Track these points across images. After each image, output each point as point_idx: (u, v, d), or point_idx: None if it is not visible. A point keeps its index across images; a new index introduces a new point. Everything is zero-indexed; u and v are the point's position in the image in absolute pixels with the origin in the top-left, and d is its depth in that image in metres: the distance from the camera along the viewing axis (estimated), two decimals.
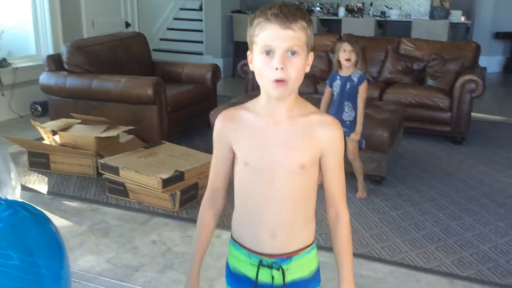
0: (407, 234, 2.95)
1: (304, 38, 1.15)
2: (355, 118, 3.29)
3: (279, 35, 1.13)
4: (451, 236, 2.94)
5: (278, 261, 1.28)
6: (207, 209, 1.37)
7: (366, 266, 2.61)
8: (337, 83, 3.30)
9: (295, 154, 1.22)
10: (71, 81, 4.28)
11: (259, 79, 1.19)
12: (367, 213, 3.23)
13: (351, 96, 3.27)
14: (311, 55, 1.21)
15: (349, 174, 3.55)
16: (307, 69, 1.21)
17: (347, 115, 3.30)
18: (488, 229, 3.03)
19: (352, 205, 3.33)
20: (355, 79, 3.23)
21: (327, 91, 3.42)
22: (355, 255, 2.68)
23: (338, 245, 1.31)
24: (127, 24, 6.86)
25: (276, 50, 1.13)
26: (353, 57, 3.17)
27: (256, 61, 1.17)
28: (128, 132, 3.96)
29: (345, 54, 3.17)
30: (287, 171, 1.23)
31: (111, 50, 4.67)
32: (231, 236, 1.38)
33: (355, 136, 3.28)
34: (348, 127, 3.25)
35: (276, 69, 1.13)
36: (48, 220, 1.56)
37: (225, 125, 1.26)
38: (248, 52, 1.21)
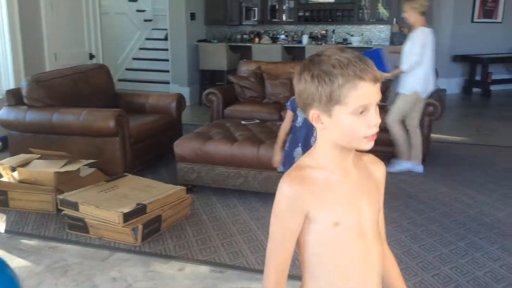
0: None
1: None
2: None
3: (372, 91, 1.05)
4: (412, 258, 2.98)
5: None
6: None
7: None
8: None
9: (373, 199, 1.18)
10: (31, 116, 4.21)
11: (344, 138, 1.09)
12: None
13: None
14: None
15: None
16: None
17: (315, 140, 3.30)
18: (449, 250, 3.08)
19: None
20: None
21: (289, 115, 3.30)
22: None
23: (393, 281, 1.31)
24: (91, 56, 6.83)
25: (370, 106, 1.05)
26: None
27: (344, 122, 1.06)
28: (90, 165, 3.90)
29: None
30: (371, 219, 1.17)
31: (73, 82, 4.63)
32: None
33: None
34: None
35: (374, 125, 1.06)
36: (4, 265, 1.52)
37: (299, 190, 1.08)
38: (316, 112, 1.09)
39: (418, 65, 4.24)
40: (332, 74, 1.04)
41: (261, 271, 2.81)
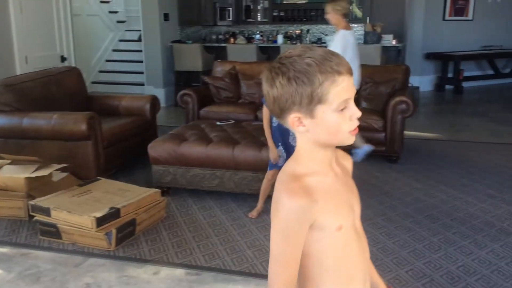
0: None
1: None
2: None
3: (350, 84, 1.03)
4: (387, 254, 3.01)
5: None
6: None
7: None
8: None
9: (356, 194, 1.18)
10: (0, 120, 4.12)
11: (329, 136, 1.06)
12: None
13: None
14: None
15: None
16: None
17: (293, 138, 3.27)
18: (422, 245, 3.12)
19: None
20: None
21: (266, 111, 3.32)
22: None
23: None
24: (63, 58, 6.72)
25: (351, 100, 1.04)
26: None
27: (329, 120, 1.03)
28: (63, 170, 3.83)
29: None
30: (359, 216, 1.17)
31: (44, 86, 4.54)
32: None
33: None
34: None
35: (356, 118, 1.04)
36: None
37: (305, 202, 1.02)
38: (297, 115, 1.04)
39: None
40: (309, 73, 1.00)
41: (237, 272, 2.81)
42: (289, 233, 1.04)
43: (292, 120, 1.05)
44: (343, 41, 4.27)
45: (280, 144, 3.33)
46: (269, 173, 3.45)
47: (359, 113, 1.04)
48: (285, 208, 1.02)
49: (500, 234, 3.26)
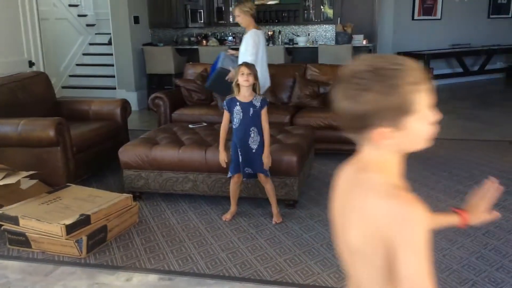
0: (319, 255, 3.00)
1: None
2: (260, 143, 3.35)
3: (429, 89, 1.02)
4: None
5: None
6: None
7: None
8: (238, 109, 3.33)
9: None
10: None
11: (412, 145, 1.05)
12: (281, 238, 3.26)
13: (256, 121, 3.33)
14: None
15: (264, 200, 3.59)
16: None
17: (253, 140, 3.35)
18: None
19: (267, 231, 3.34)
20: (258, 104, 3.32)
21: (226, 116, 3.41)
22: (270, 282, 2.70)
23: None
24: (31, 63, 6.58)
25: (431, 105, 1.03)
26: (251, 79, 3.27)
27: (417, 130, 1.01)
28: (31, 177, 3.74)
29: (243, 76, 3.27)
30: None
31: (10, 92, 4.43)
32: None
33: (268, 160, 3.34)
34: (256, 158, 3.36)
35: (436, 122, 1.04)
36: None
37: (423, 204, 0.97)
38: (383, 130, 0.99)
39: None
40: (398, 85, 0.96)
41: (210, 276, 2.79)
42: (424, 245, 0.94)
43: (377, 135, 1.00)
44: (255, 39, 4.36)
45: (238, 147, 3.37)
46: (234, 177, 3.45)
47: (439, 117, 1.03)
48: (417, 220, 0.94)
49: (470, 229, 3.32)
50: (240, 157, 3.35)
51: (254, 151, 3.35)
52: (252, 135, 3.35)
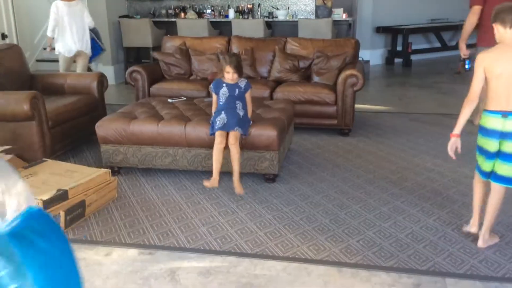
0: (298, 228, 3.03)
1: None
2: (245, 113, 3.60)
3: None
4: (339, 225, 3.07)
5: None
6: None
7: (260, 266, 2.64)
8: (225, 90, 3.57)
9: None
10: None
11: None
12: (261, 212, 3.27)
13: (241, 98, 3.59)
14: None
15: (244, 174, 3.58)
16: None
17: (239, 109, 3.57)
18: (372, 215, 3.21)
19: (247, 205, 3.35)
20: (242, 86, 3.59)
21: (214, 98, 3.67)
22: (250, 255, 2.72)
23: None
24: (4, 36, 6.38)
25: None
26: (235, 76, 3.54)
27: None
28: (6, 152, 3.66)
29: (229, 75, 3.52)
30: None
31: None
32: None
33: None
34: (242, 122, 3.52)
35: None
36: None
37: None
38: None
39: (60, 33, 5.64)
40: None
41: (192, 250, 2.79)
42: None
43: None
44: (54, 10, 5.54)
45: (223, 111, 3.50)
46: (217, 137, 3.45)
47: None
48: None
49: (446, 201, 3.39)
50: (227, 117, 3.46)
51: (241, 116, 3.54)
52: (238, 106, 3.57)
